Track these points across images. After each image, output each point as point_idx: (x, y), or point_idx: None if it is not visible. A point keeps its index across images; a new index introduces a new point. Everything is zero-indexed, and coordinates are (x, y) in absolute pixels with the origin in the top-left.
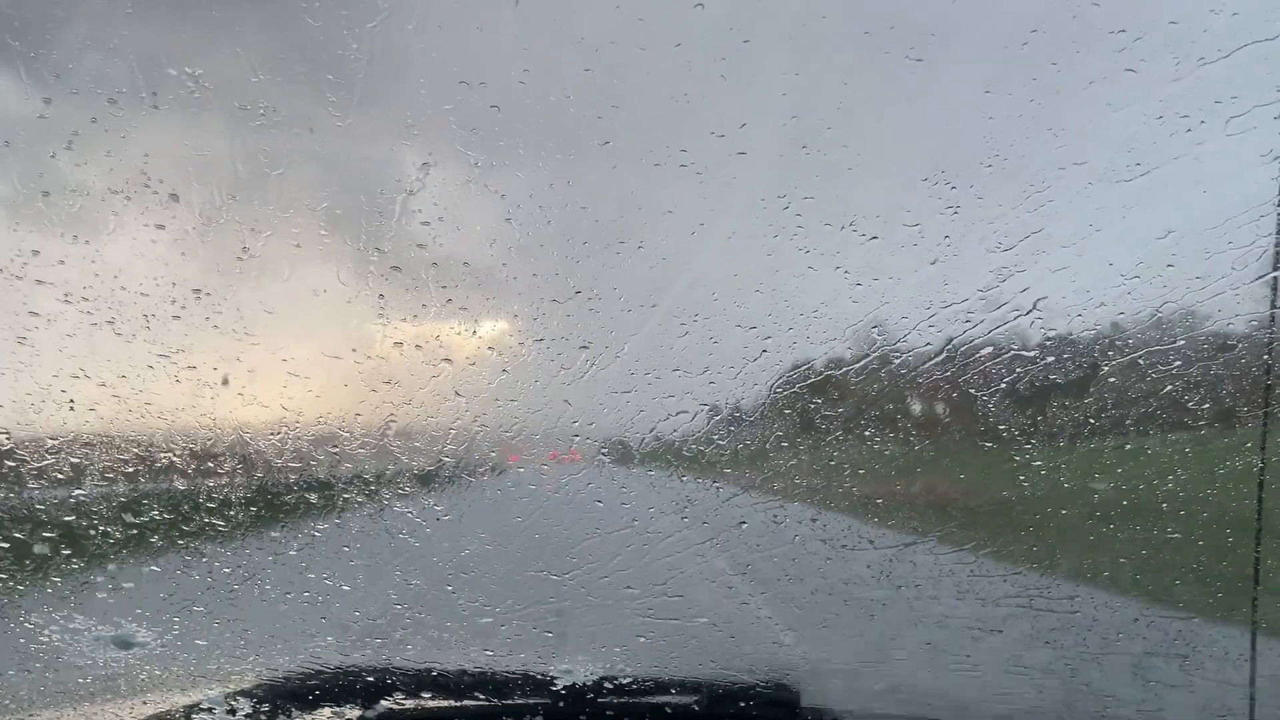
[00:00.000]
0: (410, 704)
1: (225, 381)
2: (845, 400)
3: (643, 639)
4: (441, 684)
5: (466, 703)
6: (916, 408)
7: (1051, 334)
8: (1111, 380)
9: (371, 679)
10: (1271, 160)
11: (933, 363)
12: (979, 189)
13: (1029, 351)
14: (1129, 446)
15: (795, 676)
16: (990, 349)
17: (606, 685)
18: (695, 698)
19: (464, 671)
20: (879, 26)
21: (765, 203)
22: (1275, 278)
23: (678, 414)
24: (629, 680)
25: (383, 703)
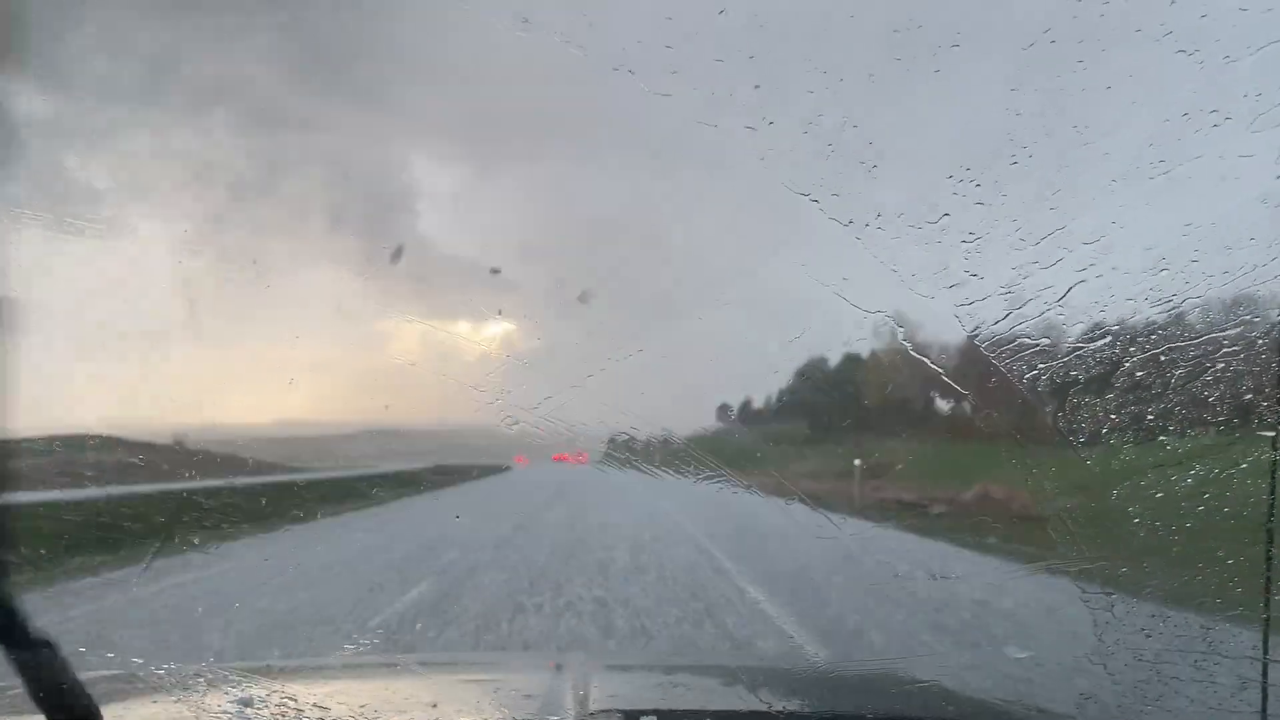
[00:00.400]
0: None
1: (225, 382)
2: (867, 396)
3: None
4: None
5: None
6: (939, 404)
7: (1074, 330)
8: (1136, 376)
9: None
10: None
11: (955, 360)
12: (1002, 186)
13: (1052, 347)
14: (1152, 443)
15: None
16: (1013, 345)
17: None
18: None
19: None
20: (905, 25)
21: (789, 201)
22: None
23: (693, 413)
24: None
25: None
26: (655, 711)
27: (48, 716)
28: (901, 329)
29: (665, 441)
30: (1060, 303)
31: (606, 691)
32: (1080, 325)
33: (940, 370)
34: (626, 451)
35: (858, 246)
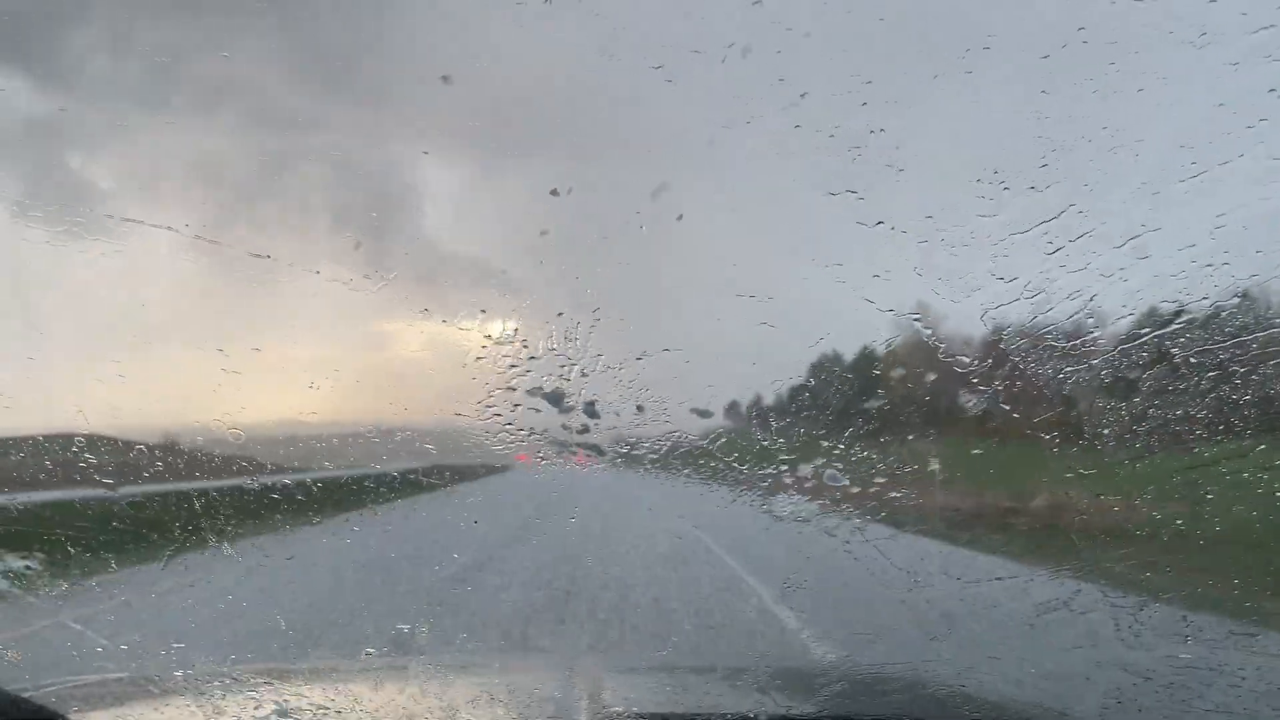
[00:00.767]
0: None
1: (229, 382)
2: (889, 397)
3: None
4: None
5: None
6: (962, 405)
7: (1102, 333)
8: (1164, 380)
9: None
10: None
11: (981, 361)
12: (1031, 189)
13: (1078, 350)
14: (1179, 446)
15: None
16: (1040, 348)
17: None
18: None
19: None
20: (934, 28)
21: (816, 203)
22: None
23: (705, 414)
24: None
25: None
26: (669, 715)
27: None
28: (927, 330)
29: (677, 442)
30: (1089, 306)
31: (620, 695)
32: (1110, 329)
33: (966, 372)
34: (634, 451)
35: (884, 249)
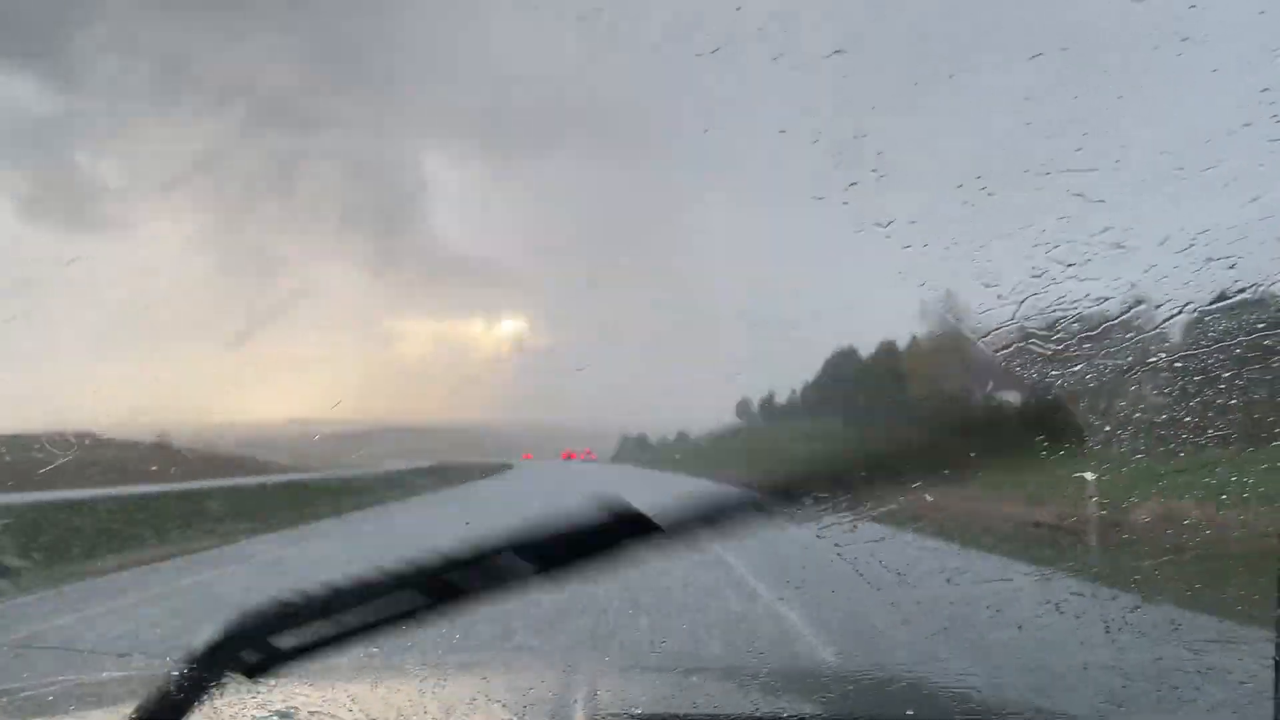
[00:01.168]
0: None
1: (234, 382)
2: (877, 398)
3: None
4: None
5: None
6: (950, 408)
7: (1089, 336)
8: (1148, 384)
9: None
10: None
11: (967, 365)
12: (1015, 194)
13: (1066, 354)
14: (1166, 449)
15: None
16: (1023, 352)
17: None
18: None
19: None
20: (922, 34)
21: (801, 207)
22: None
23: (709, 412)
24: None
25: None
26: (667, 715)
27: None
28: (912, 333)
29: (679, 440)
30: (1072, 310)
31: (617, 694)
32: (1091, 332)
33: (950, 373)
34: (639, 450)
35: (869, 255)
